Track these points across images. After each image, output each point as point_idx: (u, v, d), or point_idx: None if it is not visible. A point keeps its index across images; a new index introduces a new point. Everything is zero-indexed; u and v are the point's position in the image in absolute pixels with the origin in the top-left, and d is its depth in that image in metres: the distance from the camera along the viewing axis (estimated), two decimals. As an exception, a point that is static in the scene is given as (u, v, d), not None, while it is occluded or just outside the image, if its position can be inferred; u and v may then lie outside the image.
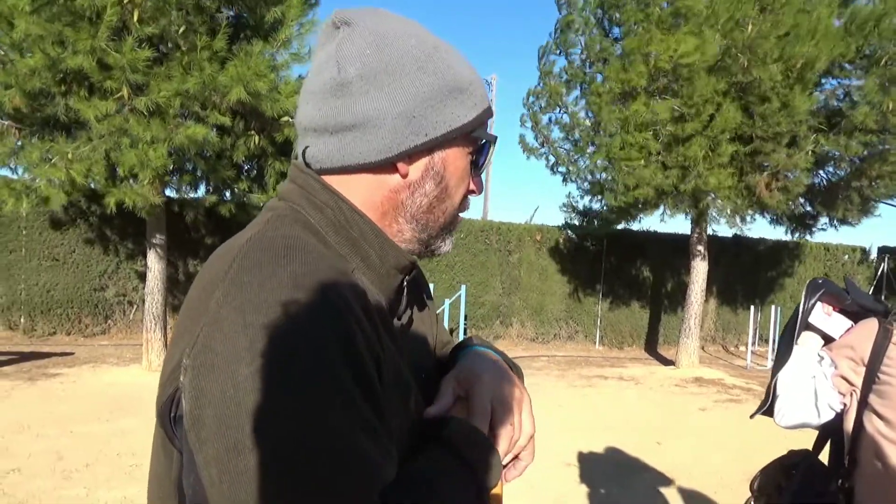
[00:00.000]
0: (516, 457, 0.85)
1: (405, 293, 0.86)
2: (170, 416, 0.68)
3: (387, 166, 0.78)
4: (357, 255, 0.78)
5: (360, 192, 0.79)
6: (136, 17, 6.57)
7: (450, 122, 0.78)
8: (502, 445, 0.80)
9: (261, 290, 0.63)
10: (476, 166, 0.85)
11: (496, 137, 0.85)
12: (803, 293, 1.92)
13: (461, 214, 0.87)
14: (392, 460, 0.65)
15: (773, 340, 11.69)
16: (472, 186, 0.86)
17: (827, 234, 13.80)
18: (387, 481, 0.63)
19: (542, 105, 11.21)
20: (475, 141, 0.83)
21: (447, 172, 0.81)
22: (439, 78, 0.77)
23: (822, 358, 1.88)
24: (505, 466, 0.83)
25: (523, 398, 0.86)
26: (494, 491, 0.79)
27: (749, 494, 2.03)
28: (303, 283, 0.64)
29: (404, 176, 0.78)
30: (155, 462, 0.76)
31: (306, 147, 0.80)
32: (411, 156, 0.78)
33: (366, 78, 0.75)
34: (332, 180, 0.79)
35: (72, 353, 9.23)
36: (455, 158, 0.81)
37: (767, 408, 1.97)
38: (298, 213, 0.77)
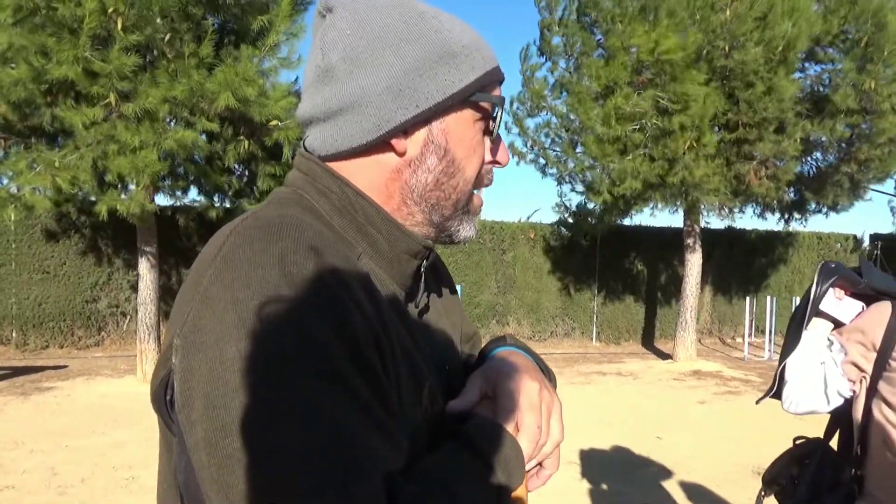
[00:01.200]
0: (540, 465, 0.80)
1: (422, 280, 0.81)
2: (165, 399, 0.66)
3: (381, 146, 0.74)
4: (364, 240, 0.75)
5: (363, 176, 0.75)
6: (120, 26, 6.52)
7: (443, 90, 0.73)
8: (527, 449, 0.76)
9: (250, 267, 0.60)
10: (489, 133, 0.79)
11: (503, 99, 0.78)
12: (815, 277, 1.82)
13: (482, 192, 0.81)
14: (397, 447, 0.62)
15: (770, 331, 11.71)
16: (489, 156, 0.80)
17: (818, 222, 13.90)
18: (391, 468, 0.60)
19: (527, 110, 11.21)
20: (480, 106, 0.77)
21: (451, 144, 0.75)
22: (425, 45, 0.72)
23: (832, 343, 1.81)
24: (528, 473, 0.79)
25: (553, 403, 0.82)
26: (517, 494, 0.75)
27: (760, 486, 1.98)
28: (295, 259, 0.61)
29: (402, 153, 0.74)
30: (161, 454, 0.74)
31: (306, 138, 0.78)
32: (406, 131, 0.73)
33: (348, 60, 0.72)
34: (335, 167, 0.76)
35: (65, 367, 9.15)
36: (458, 127, 0.75)
37: (775, 392, 1.92)
38: (302, 198, 0.75)
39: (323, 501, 0.55)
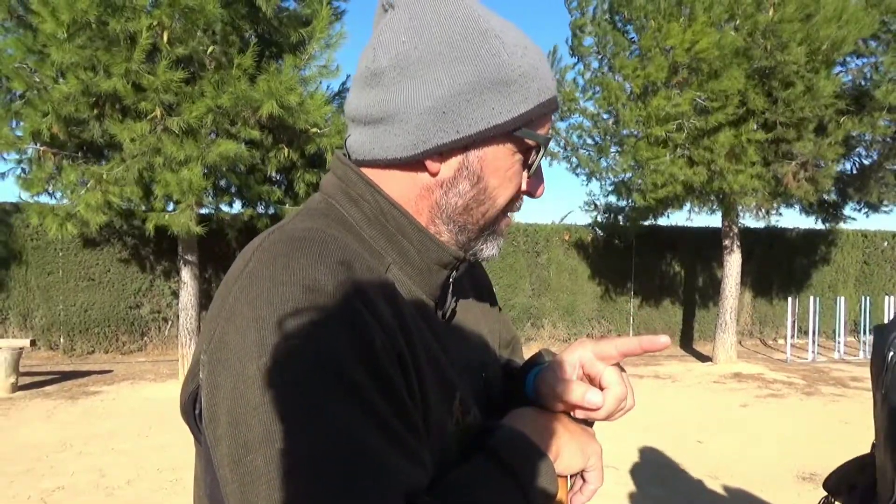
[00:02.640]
0: (583, 479, 0.79)
1: (451, 290, 0.81)
2: (194, 413, 0.67)
3: (416, 164, 0.72)
4: (394, 250, 0.74)
5: (395, 187, 0.74)
6: (165, 39, 6.70)
7: (488, 119, 0.70)
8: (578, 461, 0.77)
9: (273, 284, 0.61)
10: (528, 168, 0.76)
11: (548, 139, 0.76)
12: (874, 340, 1.60)
13: (511, 215, 0.80)
14: (419, 463, 0.62)
15: (814, 332, 11.41)
16: (525, 187, 0.78)
17: (862, 220, 13.48)
18: (414, 485, 0.60)
19: (559, 113, 11.13)
20: (523, 141, 0.74)
21: (486, 173, 0.73)
22: (479, 69, 0.69)
23: None
24: (571, 489, 0.78)
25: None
26: None
27: (824, 494, 1.87)
28: (317, 276, 0.62)
29: (434, 174, 0.73)
30: (196, 462, 0.76)
31: (349, 136, 0.78)
32: (442, 153, 0.72)
33: (399, 68, 0.70)
34: (370, 173, 0.75)
35: (110, 371, 9.40)
36: (496, 158, 0.73)
37: None
38: (332, 207, 0.75)
39: None
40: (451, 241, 0.77)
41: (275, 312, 0.60)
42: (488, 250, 0.79)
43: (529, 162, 0.76)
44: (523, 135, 0.73)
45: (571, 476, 0.79)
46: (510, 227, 0.89)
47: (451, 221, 0.75)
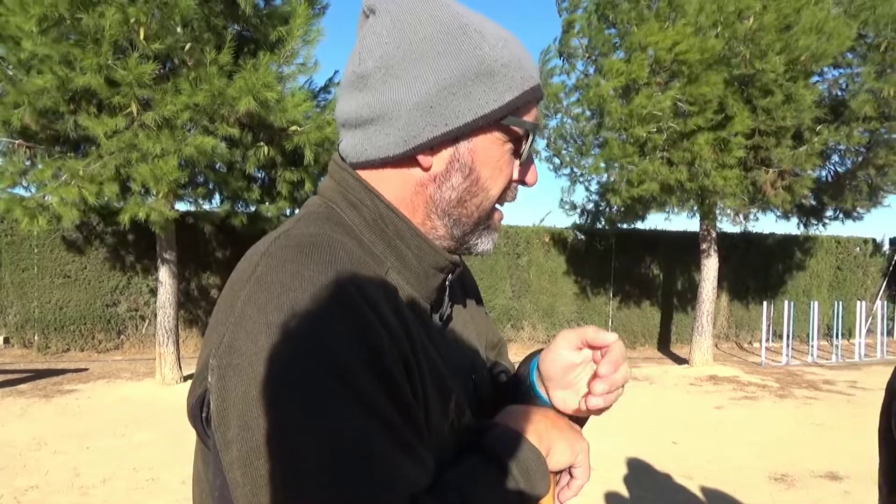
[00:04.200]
0: (570, 475, 0.81)
1: (447, 293, 0.82)
2: (201, 416, 0.68)
3: (408, 160, 0.74)
4: (392, 254, 0.76)
5: (390, 187, 0.76)
6: (142, 35, 6.63)
7: (474, 111, 0.72)
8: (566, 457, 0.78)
9: (282, 290, 0.62)
10: (519, 156, 0.78)
11: (535, 125, 0.77)
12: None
13: (503, 209, 0.82)
14: (423, 465, 0.63)
15: (788, 336, 11.61)
16: (516, 176, 0.79)
17: (836, 226, 13.70)
18: (417, 485, 0.61)
19: (543, 110, 11.20)
20: (511, 129, 0.75)
21: (477, 164, 0.74)
22: (462, 62, 0.71)
23: None
24: (558, 484, 0.79)
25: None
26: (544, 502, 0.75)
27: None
28: (325, 282, 0.63)
29: (427, 169, 0.74)
30: (196, 464, 0.76)
31: (341, 142, 0.79)
32: (433, 147, 0.73)
33: (384, 69, 0.71)
34: (366, 175, 0.77)
35: (86, 369, 9.28)
36: (486, 149, 0.75)
37: None
38: (333, 211, 0.76)
39: None
40: (446, 235, 0.78)
41: (284, 318, 0.61)
42: (483, 244, 0.81)
43: (520, 151, 0.78)
44: (510, 122, 0.74)
45: (559, 472, 0.80)
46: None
47: (446, 215, 0.76)
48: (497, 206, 0.81)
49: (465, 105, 0.71)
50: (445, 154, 0.74)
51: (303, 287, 0.62)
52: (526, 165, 0.80)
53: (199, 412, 0.68)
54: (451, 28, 0.71)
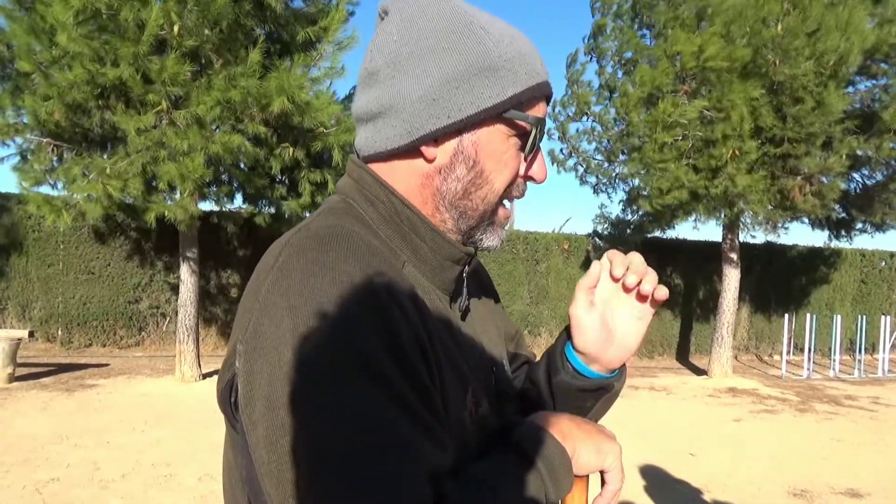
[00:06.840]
0: (603, 481, 0.81)
1: (465, 285, 0.84)
2: (230, 401, 0.70)
3: (413, 151, 0.77)
4: (408, 248, 0.78)
5: (400, 178, 0.79)
6: (176, 32, 6.74)
7: (476, 104, 0.74)
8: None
9: (304, 276, 0.65)
10: (524, 150, 0.79)
11: (540, 120, 0.78)
12: None
13: (510, 206, 0.83)
14: (443, 447, 0.65)
15: (809, 349, 11.44)
16: (523, 171, 0.81)
17: (863, 239, 13.49)
18: (438, 467, 0.63)
19: (570, 114, 11.17)
20: (515, 123, 0.77)
21: (481, 156, 0.76)
22: (466, 57, 0.73)
23: None
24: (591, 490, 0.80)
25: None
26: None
27: None
28: (345, 268, 0.66)
29: (431, 160, 0.77)
30: (225, 454, 0.78)
31: (356, 137, 0.82)
32: (437, 139, 0.76)
33: (392, 65, 0.75)
34: (378, 168, 0.79)
35: (107, 365, 9.42)
36: (490, 142, 0.76)
37: None
38: (351, 207, 0.79)
39: (372, 499, 0.58)
40: (454, 228, 0.80)
41: (306, 302, 0.63)
42: (488, 240, 0.82)
43: (525, 145, 0.79)
44: (513, 116, 0.76)
45: (588, 476, 0.80)
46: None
47: (452, 208, 0.78)
48: (505, 202, 0.82)
49: (467, 98, 0.74)
50: (449, 147, 0.76)
51: (323, 273, 0.65)
52: (533, 159, 0.81)
53: (228, 396, 0.70)
54: (456, 25, 0.74)
